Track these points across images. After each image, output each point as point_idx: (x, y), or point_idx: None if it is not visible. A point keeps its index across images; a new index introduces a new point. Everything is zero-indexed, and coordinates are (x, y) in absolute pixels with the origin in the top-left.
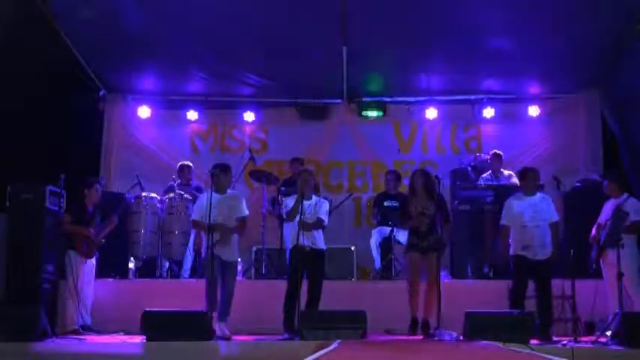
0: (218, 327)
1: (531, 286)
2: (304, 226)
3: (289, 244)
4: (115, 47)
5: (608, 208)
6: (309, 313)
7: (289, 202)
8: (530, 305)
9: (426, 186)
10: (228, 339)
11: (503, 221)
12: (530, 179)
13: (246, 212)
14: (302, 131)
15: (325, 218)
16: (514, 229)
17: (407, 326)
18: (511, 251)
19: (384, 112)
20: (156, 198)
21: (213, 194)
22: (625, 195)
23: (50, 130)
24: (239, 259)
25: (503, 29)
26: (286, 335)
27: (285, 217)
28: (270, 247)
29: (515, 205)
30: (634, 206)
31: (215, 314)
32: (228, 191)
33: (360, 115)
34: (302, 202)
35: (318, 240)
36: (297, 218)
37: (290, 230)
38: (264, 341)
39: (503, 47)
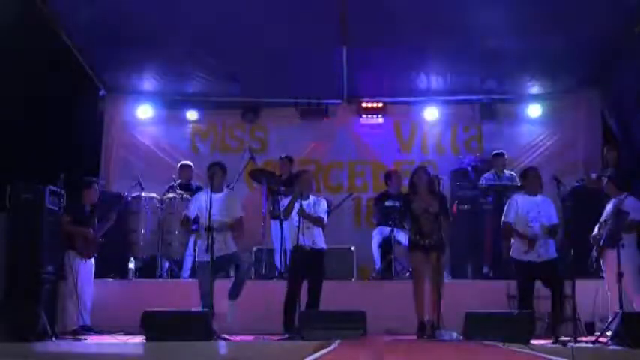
0: (228, 304)
1: (537, 285)
2: (304, 217)
3: (289, 244)
4: (115, 47)
5: (608, 208)
6: (309, 313)
7: (286, 202)
8: (541, 305)
9: (429, 184)
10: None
11: (507, 219)
12: (531, 179)
13: (240, 213)
14: (302, 131)
15: (324, 217)
16: (517, 229)
17: (407, 326)
18: (513, 253)
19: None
20: (156, 198)
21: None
22: (624, 194)
23: (50, 129)
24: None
25: (503, 29)
26: (286, 335)
27: (282, 216)
28: (271, 247)
29: (520, 203)
30: (632, 205)
31: (214, 314)
32: (225, 190)
33: (361, 115)
34: (300, 202)
35: (318, 239)
36: (296, 219)
37: (289, 230)
38: (264, 341)
39: (503, 47)
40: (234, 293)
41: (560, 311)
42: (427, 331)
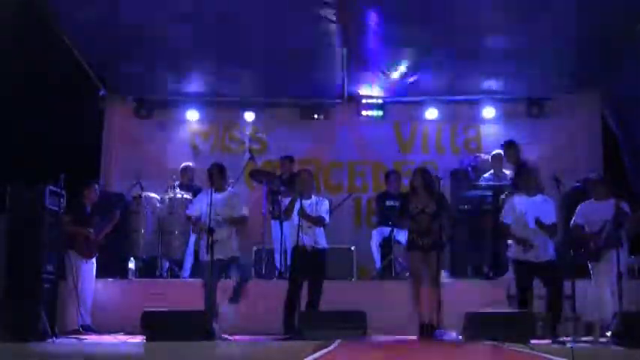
0: (227, 307)
1: (537, 284)
2: (304, 218)
3: (289, 244)
4: (115, 47)
5: (603, 210)
6: (309, 313)
7: (288, 202)
8: (542, 305)
9: (426, 184)
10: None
11: (504, 220)
12: (525, 178)
13: (244, 212)
14: (302, 131)
15: (326, 216)
16: (516, 229)
17: (407, 326)
18: (510, 253)
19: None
20: (156, 198)
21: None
22: (616, 198)
23: (50, 130)
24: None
25: (503, 29)
26: (286, 335)
27: (281, 217)
28: (271, 247)
29: (518, 203)
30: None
31: (217, 314)
32: (228, 189)
33: (360, 115)
34: (301, 202)
35: (320, 239)
36: (296, 219)
37: (289, 230)
38: (264, 341)
39: (503, 47)
40: (235, 298)
41: (560, 311)
42: (427, 331)
